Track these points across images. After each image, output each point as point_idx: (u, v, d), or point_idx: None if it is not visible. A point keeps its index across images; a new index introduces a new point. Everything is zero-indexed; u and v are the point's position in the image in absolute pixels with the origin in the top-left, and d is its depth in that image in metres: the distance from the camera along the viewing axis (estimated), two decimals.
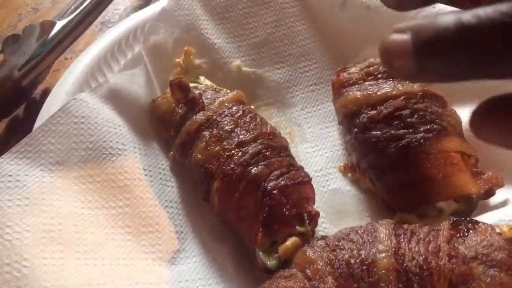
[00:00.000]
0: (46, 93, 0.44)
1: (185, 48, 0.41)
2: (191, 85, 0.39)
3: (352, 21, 0.46)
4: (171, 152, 0.39)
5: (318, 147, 0.42)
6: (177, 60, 0.42)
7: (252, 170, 0.34)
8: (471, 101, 0.40)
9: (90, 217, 0.32)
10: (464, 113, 0.38)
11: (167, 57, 0.42)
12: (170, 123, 0.38)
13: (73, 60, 0.42)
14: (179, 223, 0.36)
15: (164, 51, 0.42)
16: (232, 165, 0.34)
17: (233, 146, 0.35)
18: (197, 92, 0.39)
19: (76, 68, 0.39)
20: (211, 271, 0.34)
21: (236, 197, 0.33)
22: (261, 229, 0.32)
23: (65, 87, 0.38)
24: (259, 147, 0.35)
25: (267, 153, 0.35)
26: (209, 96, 0.39)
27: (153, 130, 0.39)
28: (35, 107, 0.43)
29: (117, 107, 0.38)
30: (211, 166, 0.35)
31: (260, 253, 0.32)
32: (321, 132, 0.43)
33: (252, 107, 0.40)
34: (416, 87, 0.37)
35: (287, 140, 0.38)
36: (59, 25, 0.41)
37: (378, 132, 0.36)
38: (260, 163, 0.34)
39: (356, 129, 0.38)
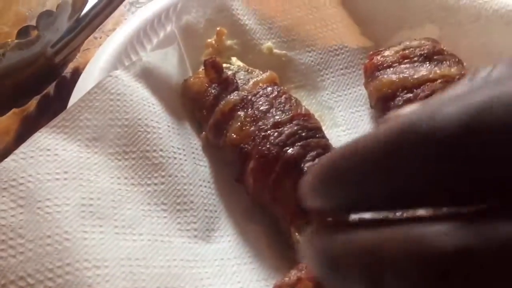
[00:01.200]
0: (76, 71, 0.44)
1: (217, 29, 0.41)
2: (224, 65, 0.39)
3: (384, 4, 0.45)
4: (204, 133, 0.38)
5: (349, 131, 0.41)
6: (209, 40, 0.41)
7: (289, 151, 0.33)
8: None
9: (127, 193, 0.32)
10: None
11: (199, 37, 0.42)
12: (203, 103, 0.38)
13: (103, 40, 0.42)
14: (212, 203, 0.36)
15: (196, 31, 0.42)
16: (268, 146, 0.34)
17: (268, 126, 0.35)
18: (230, 72, 0.38)
19: (109, 46, 0.39)
20: (245, 250, 0.34)
21: (272, 178, 0.33)
22: (296, 209, 0.32)
23: (99, 64, 0.38)
24: (295, 128, 0.35)
25: (303, 134, 0.34)
26: (242, 77, 0.38)
27: (185, 110, 0.39)
28: (65, 85, 0.43)
29: (150, 86, 0.37)
30: (246, 146, 0.35)
31: (296, 233, 0.32)
32: (352, 116, 0.42)
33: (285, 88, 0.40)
34: (453, 70, 0.36)
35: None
36: (91, 3, 0.41)
37: None
38: (297, 144, 0.34)
39: (389, 112, 0.37)
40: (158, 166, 0.34)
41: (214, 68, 0.38)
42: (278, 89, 0.37)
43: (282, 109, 0.36)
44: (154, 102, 0.37)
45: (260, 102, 0.36)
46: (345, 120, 0.42)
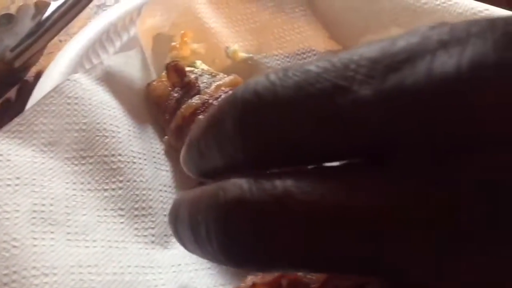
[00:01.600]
0: (39, 75, 0.43)
1: (182, 32, 0.41)
2: (187, 69, 0.39)
3: (352, 8, 0.45)
4: (166, 137, 0.38)
5: None
6: (173, 43, 0.41)
7: None
8: None
9: (82, 199, 0.32)
10: None
11: (164, 41, 0.42)
12: (165, 107, 0.38)
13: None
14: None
15: (161, 35, 0.42)
16: None
17: None
18: (193, 76, 0.38)
19: (70, 49, 0.39)
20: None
21: None
22: None
23: (59, 68, 0.38)
24: None
25: None
26: (205, 80, 0.38)
27: (148, 113, 0.39)
28: (28, 89, 0.42)
29: (111, 89, 0.37)
30: None
31: None
32: None
33: None
34: None
35: None
36: (53, 5, 0.40)
37: None
38: None
39: None
40: (116, 171, 0.34)
41: (176, 72, 0.37)
42: None
43: None
44: (115, 106, 0.36)
45: None
46: None
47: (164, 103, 0.38)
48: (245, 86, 0.16)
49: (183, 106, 0.36)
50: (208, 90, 0.37)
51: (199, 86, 0.37)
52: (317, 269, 0.16)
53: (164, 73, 0.39)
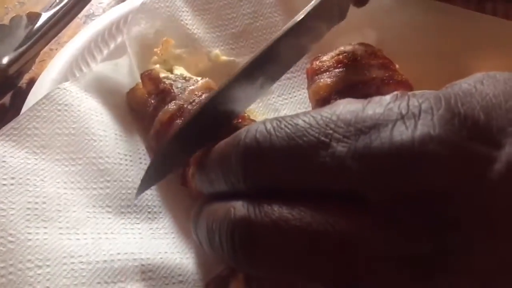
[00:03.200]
0: (32, 82, 0.45)
1: (164, 39, 0.43)
2: (162, 75, 0.41)
3: None
4: (147, 141, 0.40)
5: None
6: (155, 49, 0.44)
7: None
8: (439, 88, 0.42)
9: (72, 197, 0.34)
10: None
11: (149, 48, 0.44)
12: (144, 113, 0.40)
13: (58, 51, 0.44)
14: (157, 204, 0.38)
15: (146, 42, 0.44)
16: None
17: None
18: (167, 82, 0.40)
19: (61, 57, 0.41)
20: (188, 246, 0.36)
21: None
22: None
23: (51, 75, 0.40)
24: None
25: None
26: (179, 86, 0.40)
27: (133, 118, 0.41)
28: (21, 96, 0.45)
29: (99, 96, 0.40)
30: None
31: None
32: None
33: None
34: (381, 72, 0.39)
35: None
36: (44, 16, 0.43)
37: None
38: None
39: None
40: (103, 171, 0.36)
41: (150, 80, 0.40)
42: None
43: None
44: (102, 112, 0.39)
45: None
46: None
47: (142, 110, 0.40)
48: (247, 131, 0.21)
49: (160, 113, 0.38)
50: (183, 96, 0.39)
51: (173, 92, 0.39)
52: (289, 276, 0.21)
53: (152, 60, 0.41)
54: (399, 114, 0.19)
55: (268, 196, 0.20)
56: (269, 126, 0.21)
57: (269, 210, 0.20)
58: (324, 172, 0.19)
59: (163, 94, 0.39)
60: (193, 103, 0.38)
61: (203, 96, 0.39)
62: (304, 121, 0.20)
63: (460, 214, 0.17)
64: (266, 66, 0.30)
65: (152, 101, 0.39)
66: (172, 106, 0.38)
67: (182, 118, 0.37)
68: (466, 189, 0.17)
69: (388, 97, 0.20)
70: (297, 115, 0.21)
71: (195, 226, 0.25)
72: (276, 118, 0.21)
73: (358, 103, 0.20)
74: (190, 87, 0.39)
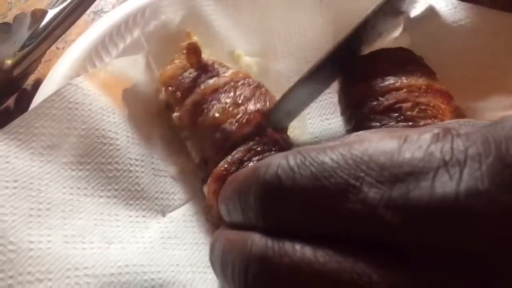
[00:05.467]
0: (37, 83, 0.43)
1: (188, 30, 0.41)
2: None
3: (360, 12, 0.44)
4: (177, 113, 0.38)
5: (317, 139, 0.41)
6: (181, 44, 0.41)
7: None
8: (481, 99, 0.38)
9: (79, 203, 0.32)
10: (470, 111, 0.37)
11: (168, 43, 0.41)
12: (177, 86, 0.38)
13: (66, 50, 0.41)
14: (171, 213, 0.35)
15: (165, 37, 0.41)
16: (226, 166, 0.33)
17: (250, 111, 0.35)
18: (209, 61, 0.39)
19: (73, 52, 0.39)
20: (200, 260, 0.34)
21: None
22: None
23: (61, 71, 0.38)
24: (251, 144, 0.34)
25: (259, 148, 0.34)
26: (216, 67, 0.39)
27: (150, 119, 0.39)
28: (26, 98, 0.43)
29: (113, 93, 0.37)
30: (228, 126, 0.34)
31: None
32: (322, 123, 0.42)
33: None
34: (420, 80, 0.35)
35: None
36: (50, 13, 0.40)
37: (377, 124, 0.34)
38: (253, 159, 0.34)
39: (356, 120, 0.37)
40: (112, 179, 0.34)
41: (195, 53, 0.38)
42: (258, 82, 0.38)
43: (264, 99, 0.36)
44: (115, 111, 0.36)
45: (242, 89, 0.36)
46: (314, 128, 0.41)
47: (175, 83, 0.38)
48: (267, 166, 0.19)
49: (203, 85, 0.37)
50: (225, 74, 0.38)
51: (217, 69, 0.38)
52: None
53: (177, 55, 0.39)
54: (441, 160, 0.16)
55: (289, 233, 0.18)
56: (292, 162, 0.18)
57: (290, 248, 0.17)
58: (353, 219, 0.17)
59: (205, 68, 0.37)
60: (239, 83, 0.36)
61: (249, 80, 0.37)
62: (331, 159, 0.17)
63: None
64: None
65: (190, 75, 0.37)
66: (216, 80, 0.37)
67: (227, 93, 0.36)
68: None
69: (428, 137, 0.17)
70: (323, 151, 0.18)
71: (212, 252, 0.22)
72: (299, 152, 0.18)
73: (392, 141, 0.17)
74: (231, 70, 0.38)
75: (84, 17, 0.47)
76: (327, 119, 0.42)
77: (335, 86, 0.41)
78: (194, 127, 0.36)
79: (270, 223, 0.19)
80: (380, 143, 0.17)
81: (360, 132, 0.22)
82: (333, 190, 0.17)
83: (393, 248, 0.16)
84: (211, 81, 0.37)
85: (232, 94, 0.36)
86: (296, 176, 0.18)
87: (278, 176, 0.18)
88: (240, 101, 0.35)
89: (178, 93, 0.37)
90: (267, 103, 0.36)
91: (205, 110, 0.35)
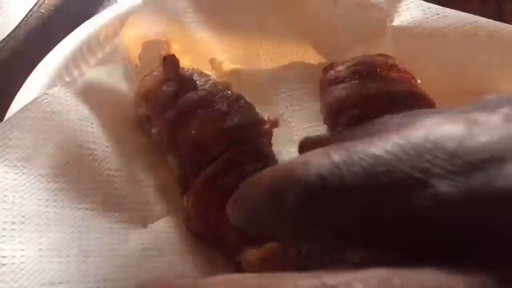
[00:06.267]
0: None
1: (167, 39, 0.40)
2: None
3: (343, 18, 0.44)
4: (155, 128, 0.37)
5: None
6: (161, 52, 0.40)
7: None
8: (464, 105, 0.38)
9: (55, 216, 0.31)
10: None
11: (148, 52, 0.41)
12: (156, 99, 0.37)
13: None
14: (152, 224, 0.35)
15: (145, 45, 0.41)
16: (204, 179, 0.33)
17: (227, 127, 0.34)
18: (188, 71, 0.38)
19: (50, 60, 0.38)
20: (182, 271, 0.33)
21: (213, 213, 0.33)
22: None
23: (37, 80, 0.37)
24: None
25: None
26: (196, 78, 0.38)
27: (129, 127, 0.38)
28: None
29: (91, 103, 0.36)
30: (205, 143, 0.34)
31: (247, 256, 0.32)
32: (306, 131, 0.41)
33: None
34: (400, 87, 0.35)
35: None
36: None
37: (360, 131, 0.34)
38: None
39: (338, 128, 0.36)
40: (90, 191, 0.33)
41: (173, 66, 0.37)
42: (237, 94, 0.37)
43: (241, 113, 0.35)
44: (93, 121, 0.36)
45: (220, 104, 0.35)
46: (298, 136, 0.41)
47: (154, 96, 0.37)
48: (305, 166, 0.15)
49: (180, 100, 0.36)
50: (204, 87, 0.37)
51: (195, 81, 0.37)
52: None
53: (156, 67, 0.38)
54: None
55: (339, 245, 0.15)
56: (337, 158, 0.15)
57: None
58: (422, 220, 0.14)
59: (183, 81, 0.36)
60: (217, 96, 0.36)
61: (228, 92, 0.37)
62: (387, 151, 0.14)
63: None
64: None
65: (169, 88, 0.36)
66: (194, 94, 0.36)
67: (205, 109, 0.35)
68: None
69: (496, 119, 0.14)
70: (372, 143, 0.15)
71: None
72: (341, 147, 0.15)
73: (458, 124, 0.14)
74: (211, 82, 0.37)
75: None
76: (311, 126, 0.42)
77: (318, 93, 0.41)
78: (173, 143, 0.36)
79: (314, 232, 0.16)
80: (443, 128, 0.14)
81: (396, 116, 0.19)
82: (393, 187, 0.14)
83: (478, 254, 0.13)
84: (189, 95, 0.36)
85: (210, 109, 0.35)
86: (345, 175, 0.15)
87: (321, 176, 0.15)
88: (218, 116, 0.35)
89: (157, 107, 0.37)
90: (245, 118, 0.35)
91: (183, 126, 0.35)
